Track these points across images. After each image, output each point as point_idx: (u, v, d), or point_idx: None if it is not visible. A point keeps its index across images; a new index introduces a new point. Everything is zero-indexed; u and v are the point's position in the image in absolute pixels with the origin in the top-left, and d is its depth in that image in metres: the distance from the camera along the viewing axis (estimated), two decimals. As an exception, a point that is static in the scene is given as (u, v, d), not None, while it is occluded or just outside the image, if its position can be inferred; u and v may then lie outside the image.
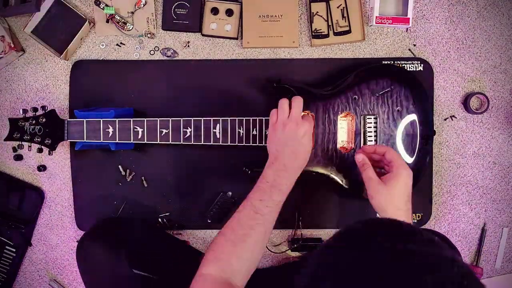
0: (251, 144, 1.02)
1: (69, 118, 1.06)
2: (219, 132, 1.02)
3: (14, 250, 1.15)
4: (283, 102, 0.91)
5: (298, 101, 0.91)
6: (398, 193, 0.82)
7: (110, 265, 0.95)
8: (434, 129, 1.10)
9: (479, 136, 1.15)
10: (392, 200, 0.81)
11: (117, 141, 1.03)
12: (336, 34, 1.11)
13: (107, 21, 1.11)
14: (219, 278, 0.78)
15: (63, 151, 1.15)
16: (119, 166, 1.13)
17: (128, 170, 1.14)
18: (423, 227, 1.15)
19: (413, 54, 1.13)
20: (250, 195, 0.86)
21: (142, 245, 1.02)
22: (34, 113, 1.03)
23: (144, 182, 1.14)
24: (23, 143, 1.03)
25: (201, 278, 0.78)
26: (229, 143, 1.02)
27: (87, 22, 1.10)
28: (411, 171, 0.84)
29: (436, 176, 1.15)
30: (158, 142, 1.02)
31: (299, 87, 1.02)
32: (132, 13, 1.11)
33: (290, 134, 0.88)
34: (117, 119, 1.02)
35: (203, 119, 1.01)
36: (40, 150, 1.04)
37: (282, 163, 0.87)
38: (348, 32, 1.11)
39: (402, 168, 0.83)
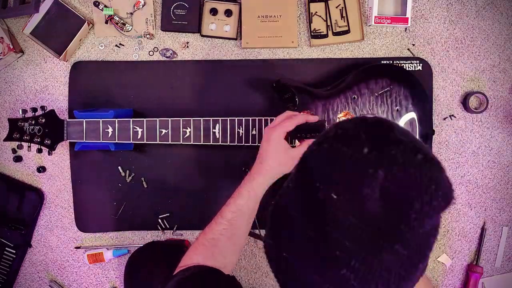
0: (250, 144, 1.02)
1: (69, 119, 1.06)
2: (219, 132, 1.02)
3: (14, 251, 1.15)
4: (285, 113, 0.92)
5: (293, 117, 0.90)
6: None
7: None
8: (433, 128, 1.10)
9: (478, 135, 1.15)
10: None
11: (116, 141, 1.03)
12: (335, 34, 1.11)
13: (106, 22, 1.11)
14: None
15: (62, 152, 1.15)
16: (119, 167, 1.13)
17: (128, 171, 1.14)
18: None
19: (412, 53, 1.14)
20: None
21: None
22: (33, 113, 1.03)
23: (144, 182, 1.14)
24: (23, 143, 1.03)
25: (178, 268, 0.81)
26: (228, 143, 1.02)
27: (86, 23, 1.10)
28: None
29: (435, 176, 1.15)
30: (158, 142, 1.02)
31: (298, 87, 1.02)
32: (131, 14, 1.12)
33: (264, 136, 0.89)
34: (116, 119, 1.02)
35: (203, 119, 1.01)
36: (39, 151, 1.04)
37: (254, 166, 0.89)
38: (347, 32, 1.11)
39: None
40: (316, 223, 0.48)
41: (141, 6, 1.11)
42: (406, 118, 1.03)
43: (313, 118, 0.92)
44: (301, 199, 0.51)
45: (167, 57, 1.13)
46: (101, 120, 1.02)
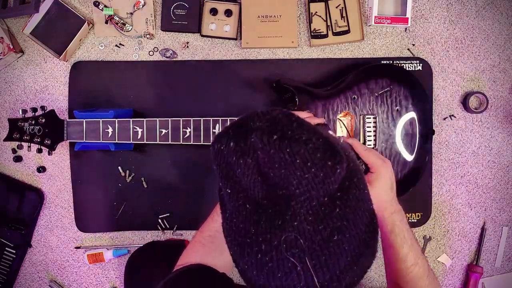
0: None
1: (69, 119, 1.06)
2: (219, 132, 1.02)
3: (14, 251, 1.15)
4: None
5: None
6: (384, 189, 0.79)
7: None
8: (434, 128, 1.10)
9: (478, 135, 1.15)
10: (380, 196, 0.78)
11: (116, 141, 1.03)
12: (335, 34, 1.11)
13: (106, 22, 1.11)
14: None
15: (62, 152, 1.15)
16: (119, 167, 1.13)
17: (128, 171, 1.14)
18: (423, 226, 1.15)
19: (412, 53, 1.14)
20: None
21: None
22: (33, 113, 1.03)
23: (144, 182, 1.14)
24: (23, 143, 1.03)
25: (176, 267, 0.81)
26: (228, 143, 1.02)
27: (86, 23, 1.10)
28: (389, 163, 0.80)
29: (435, 176, 1.15)
30: (158, 142, 1.02)
31: (298, 87, 1.02)
32: (131, 14, 1.12)
33: None
34: (116, 119, 1.02)
35: (203, 119, 1.01)
36: (39, 151, 1.04)
37: None
38: (347, 32, 1.11)
39: (382, 168, 0.79)
40: (222, 213, 0.58)
41: (141, 6, 1.11)
42: (406, 118, 1.03)
43: (318, 120, 0.91)
44: (218, 191, 0.60)
45: (167, 57, 1.13)
46: (101, 120, 1.02)
